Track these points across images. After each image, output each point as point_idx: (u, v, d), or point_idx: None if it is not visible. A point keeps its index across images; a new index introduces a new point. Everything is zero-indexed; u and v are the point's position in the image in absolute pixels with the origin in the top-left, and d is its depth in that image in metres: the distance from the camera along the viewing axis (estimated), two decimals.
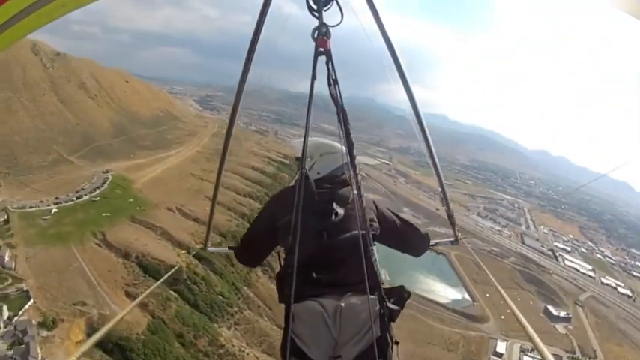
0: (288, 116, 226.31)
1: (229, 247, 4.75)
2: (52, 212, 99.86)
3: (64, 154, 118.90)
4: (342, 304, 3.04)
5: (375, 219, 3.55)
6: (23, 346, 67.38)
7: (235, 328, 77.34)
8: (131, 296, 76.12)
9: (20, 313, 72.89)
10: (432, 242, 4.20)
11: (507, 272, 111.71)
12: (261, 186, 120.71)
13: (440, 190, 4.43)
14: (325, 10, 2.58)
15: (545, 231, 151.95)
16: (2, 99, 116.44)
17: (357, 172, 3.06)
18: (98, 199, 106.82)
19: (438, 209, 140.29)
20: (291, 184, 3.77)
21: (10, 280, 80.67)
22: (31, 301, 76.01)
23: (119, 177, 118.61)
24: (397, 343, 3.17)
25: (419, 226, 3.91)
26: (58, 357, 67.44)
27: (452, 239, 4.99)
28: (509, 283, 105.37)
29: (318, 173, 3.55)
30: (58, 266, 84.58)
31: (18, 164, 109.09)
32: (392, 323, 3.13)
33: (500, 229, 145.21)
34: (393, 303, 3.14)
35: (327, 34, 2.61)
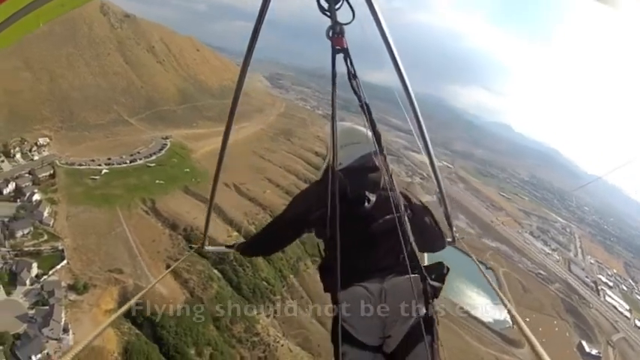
0: (355, 104, 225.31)
1: (226, 246, 4.97)
2: (102, 172, 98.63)
3: (123, 115, 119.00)
4: (386, 286, 3.20)
5: (406, 204, 3.61)
6: (47, 307, 65.94)
7: (274, 317, 77.28)
8: (172, 271, 71.18)
9: (50, 272, 72.26)
10: None
11: (550, 299, 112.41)
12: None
13: (437, 190, 4.73)
14: (337, 9, 2.68)
15: (592, 261, 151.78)
16: (64, 54, 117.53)
17: (386, 161, 3.44)
18: (153, 165, 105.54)
19: (492, 221, 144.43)
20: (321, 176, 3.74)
21: (45, 237, 79.15)
22: (65, 261, 74.80)
23: (178, 145, 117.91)
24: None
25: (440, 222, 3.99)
26: (82, 324, 64.25)
27: (449, 239, 4.90)
28: (549, 311, 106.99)
29: (340, 164, 3.57)
30: (99, 229, 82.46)
31: (73, 120, 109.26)
32: (435, 300, 3.23)
33: (549, 251, 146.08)
34: (434, 280, 3.26)
35: (342, 32, 2.75)
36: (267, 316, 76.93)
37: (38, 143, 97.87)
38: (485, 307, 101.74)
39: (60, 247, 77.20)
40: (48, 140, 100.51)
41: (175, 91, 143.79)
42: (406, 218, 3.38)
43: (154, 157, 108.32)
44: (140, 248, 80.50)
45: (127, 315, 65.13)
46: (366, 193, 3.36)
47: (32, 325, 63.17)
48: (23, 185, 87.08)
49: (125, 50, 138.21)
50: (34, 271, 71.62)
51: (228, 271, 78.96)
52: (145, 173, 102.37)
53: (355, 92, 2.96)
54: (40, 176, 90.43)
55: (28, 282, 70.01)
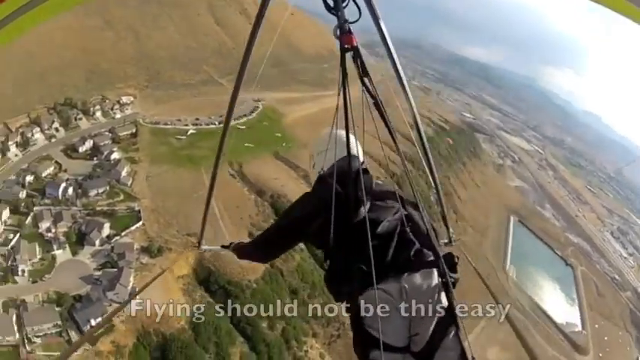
0: (452, 78, 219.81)
1: (222, 246, 5.07)
2: (189, 133, 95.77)
3: (214, 76, 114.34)
4: (405, 284, 3.24)
5: (399, 204, 3.75)
6: (115, 270, 65.70)
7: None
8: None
9: (123, 233, 71.47)
10: None
11: (620, 307, 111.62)
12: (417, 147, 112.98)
13: (435, 190, 4.95)
14: (344, 7, 2.75)
15: None
16: (149, 15, 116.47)
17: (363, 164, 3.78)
18: (244, 127, 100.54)
19: (576, 215, 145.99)
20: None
21: (121, 197, 78.11)
22: (140, 223, 73.70)
23: (270, 108, 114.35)
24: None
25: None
26: (151, 289, 59.41)
27: (445, 241, 5.40)
28: (617, 320, 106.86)
29: (322, 169, 3.88)
30: (181, 191, 78.97)
31: (159, 79, 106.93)
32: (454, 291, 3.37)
33: (626, 256, 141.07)
34: (448, 271, 3.34)
35: (350, 31, 2.80)
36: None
37: (121, 101, 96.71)
38: (559, 306, 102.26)
39: (136, 208, 75.82)
40: (132, 99, 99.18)
41: (268, 54, 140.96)
42: (404, 217, 3.51)
43: (244, 119, 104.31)
44: (223, 213, 75.22)
45: (201, 281, 67.28)
46: (360, 195, 3.37)
47: (96, 287, 62.91)
48: (101, 143, 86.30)
49: (215, 12, 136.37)
50: (106, 231, 70.80)
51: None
52: (233, 135, 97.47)
53: (368, 91, 2.98)
54: (120, 135, 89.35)
55: (97, 242, 69.24)
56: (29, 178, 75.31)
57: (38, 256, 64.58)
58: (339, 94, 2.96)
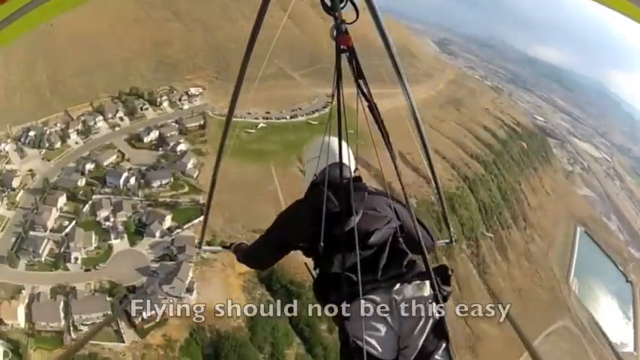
0: (523, 79, 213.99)
1: (223, 247, 5.24)
2: (259, 126, 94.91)
3: (285, 69, 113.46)
4: (395, 296, 3.24)
5: (392, 212, 3.73)
6: (173, 263, 65.14)
7: None
8: None
9: (185, 226, 70.58)
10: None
11: None
12: (489, 150, 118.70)
13: (435, 190, 5.27)
14: (342, 8, 2.77)
15: None
16: (218, 6, 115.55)
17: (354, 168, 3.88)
18: (315, 123, 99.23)
19: None
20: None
21: (186, 189, 78.31)
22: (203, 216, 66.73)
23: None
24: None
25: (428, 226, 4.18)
26: (210, 285, 62.71)
27: (447, 240, 5.42)
28: None
29: (315, 176, 3.83)
30: (248, 185, 78.73)
31: (229, 71, 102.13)
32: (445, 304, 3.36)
33: None
34: (441, 283, 3.35)
35: (346, 32, 2.82)
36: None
37: (189, 93, 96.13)
38: (614, 323, 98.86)
39: (200, 201, 74.24)
40: (201, 90, 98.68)
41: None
42: (397, 227, 3.52)
43: (316, 115, 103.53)
44: None
45: (262, 279, 66.75)
46: (352, 203, 3.33)
47: (152, 279, 62.11)
48: (168, 134, 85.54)
49: (286, 4, 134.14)
50: (167, 223, 70.31)
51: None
52: (305, 130, 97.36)
53: (362, 92, 2.95)
54: (188, 126, 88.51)
55: (157, 234, 68.48)
56: (89, 167, 75.09)
57: (94, 245, 64.43)
58: (333, 96, 2.96)
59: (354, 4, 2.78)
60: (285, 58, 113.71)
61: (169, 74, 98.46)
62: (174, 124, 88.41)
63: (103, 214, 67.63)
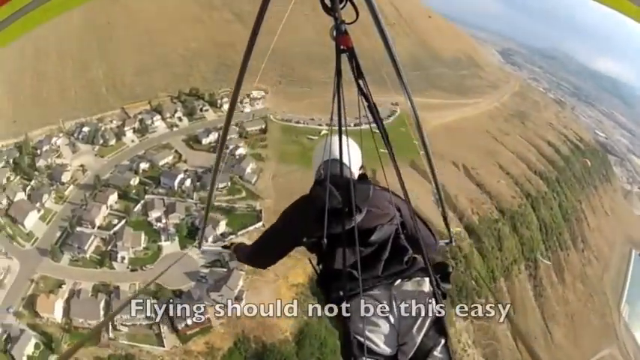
0: (585, 93, 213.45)
1: (223, 247, 5.38)
2: (322, 133, 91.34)
3: (350, 75, 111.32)
4: (395, 292, 3.32)
5: (394, 210, 3.80)
6: (224, 270, 64.83)
7: (471, 321, 76.65)
8: None
9: (240, 233, 69.37)
10: None
11: None
12: (552, 167, 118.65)
13: (435, 191, 5.42)
14: (341, 9, 2.80)
15: None
16: (282, 10, 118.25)
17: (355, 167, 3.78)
18: (377, 132, 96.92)
19: None
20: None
21: (243, 194, 76.97)
22: (260, 223, 71.97)
23: (408, 113, 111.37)
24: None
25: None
26: (260, 294, 62.11)
27: (447, 241, 5.53)
28: None
29: (321, 174, 3.87)
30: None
31: (293, 75, 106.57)
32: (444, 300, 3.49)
33: None
34: (440, 280, 3.41)
35: (346, 32, 2.82)
36: (465, 318, 76.50)
37: (251, 96, 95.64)
38: None
39: (257, 208, 74.45)
40: (263, 94, 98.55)
41: (407, 56, 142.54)
42: (399, 224, 3.58)
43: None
44: None
45: (315, 292, 67.05)
46: (355, 201, 3.36)
47: (200, 285, 61.73)
48: (227, 137, 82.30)
49: (351, 12, 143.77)
50: (221, 228, 69.35)
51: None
52: (368, 138, 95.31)
53: (362, 93, 2.95)
54: (248, 130, 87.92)
55: (210, 239, 66.43)
56: (144, 166, 74.91)
57: (142, 245, 64.11)
58: (334, 96, 2.94)
59: (353, 5, 2.77)
60: (347, 64, 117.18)
61: (231, 76, 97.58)
62: (234, 126, 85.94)
63: (154, 214, 67.23)
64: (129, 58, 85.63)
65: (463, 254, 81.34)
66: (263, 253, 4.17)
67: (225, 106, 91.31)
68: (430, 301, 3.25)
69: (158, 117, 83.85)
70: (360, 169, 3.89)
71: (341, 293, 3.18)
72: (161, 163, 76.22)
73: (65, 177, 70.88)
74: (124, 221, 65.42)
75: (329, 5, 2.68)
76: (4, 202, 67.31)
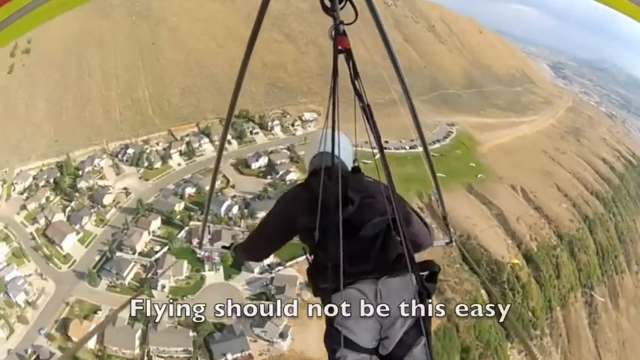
0: (635, 105, 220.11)
1: (223, 247, 5.42)
2: (376, 157, 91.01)
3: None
4: (380, 286, 3.36)
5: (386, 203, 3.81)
6: (270, 303, 63.01)
7: (525, 355, 76.91)
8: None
9: (288, 264, 69.20)
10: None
11: None
12: (609, 185, 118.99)
13: (435, 191, 5.19)
14: (341, 9, 2.85)
15: None
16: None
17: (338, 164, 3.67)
18: (436, 154, 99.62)
19: None
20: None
21: None
22: (308, 253, 65.06)
23: (464, 134, 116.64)
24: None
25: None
26: (306, 331, 58.65)
27: (447, 241, 5.68)
28: None
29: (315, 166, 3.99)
30: None
31: (346, 95, 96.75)
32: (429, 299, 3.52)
33: None
34: (427, 279, 3.45)
35: (344, 33, 2.93)
36: (519, 352, 76.20)
37: (303, 118, 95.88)
38: None
39: None
40: (315, 115, 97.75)
41: (461, 73, 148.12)
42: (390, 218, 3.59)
43: (437, 146, 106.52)
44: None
45: None
46: (349, 194, 3.44)
47: (243, 319, 60.50)
48: (278, 162, 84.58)
49: (403, 28, 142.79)
50: (269, 259, 66.82)
51: (496, 295, 75.30)
52: (424, 163, 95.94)
53: (357, 94, 3.03)
54: (300, 153, 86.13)
55: (256, 270, 67.50)
56: (190, 190, 74.45)
57: (185, 274, 63.18)
58: (330, 96, 3.01)
59: (353, 5, 2.74)
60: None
61: (282, 98, 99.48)
62: (285, 150, 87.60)
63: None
64: (175, 79, 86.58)
65: (522, 284, 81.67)
66: (257, 244, 4.17)
67: (277, 129, 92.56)
68: (414, 299, 3.21)
69: (206, 139, 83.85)
70: (354, 162, 4.07)
71: (326, 284, 3.10)
72: (208, 188, 74.69)
73: (107, 199, 71.22)
74: (166, 248, 64.78)
75: (328, 5, 2.68)
76: (42, 221, 68.19)
